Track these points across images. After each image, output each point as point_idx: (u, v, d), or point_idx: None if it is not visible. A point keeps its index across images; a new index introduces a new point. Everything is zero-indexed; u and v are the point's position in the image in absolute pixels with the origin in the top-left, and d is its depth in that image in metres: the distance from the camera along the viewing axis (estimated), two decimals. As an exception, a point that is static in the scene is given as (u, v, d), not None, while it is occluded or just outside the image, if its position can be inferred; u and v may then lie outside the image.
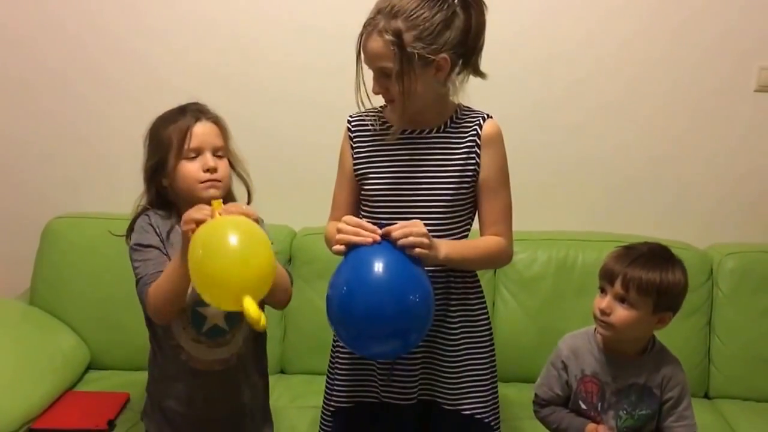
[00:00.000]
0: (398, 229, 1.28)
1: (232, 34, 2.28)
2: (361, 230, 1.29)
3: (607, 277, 1.45)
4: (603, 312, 1.44)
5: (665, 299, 1.43)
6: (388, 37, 1.32)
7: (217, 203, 1.29)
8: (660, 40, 2.23)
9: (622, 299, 1.43)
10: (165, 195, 1.52)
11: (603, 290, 1.46)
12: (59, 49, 2.31)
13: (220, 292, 1.22)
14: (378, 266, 1.23)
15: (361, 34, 1.38)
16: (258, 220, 1.58)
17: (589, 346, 1.52)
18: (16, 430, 1.78)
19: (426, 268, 1.32)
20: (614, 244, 1.55)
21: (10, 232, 2.40)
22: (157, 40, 2.29)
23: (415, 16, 1.33)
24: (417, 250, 1.28)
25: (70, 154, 2.36)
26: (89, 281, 2.15)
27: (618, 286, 1.42)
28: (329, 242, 1.47)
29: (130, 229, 1.54)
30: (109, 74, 2.31)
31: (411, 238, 1.27)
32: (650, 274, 1.41)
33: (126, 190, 1.59)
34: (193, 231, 1.26)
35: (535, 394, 1.59)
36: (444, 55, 1.36)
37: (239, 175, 1.58)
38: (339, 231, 1.31)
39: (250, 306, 1.17)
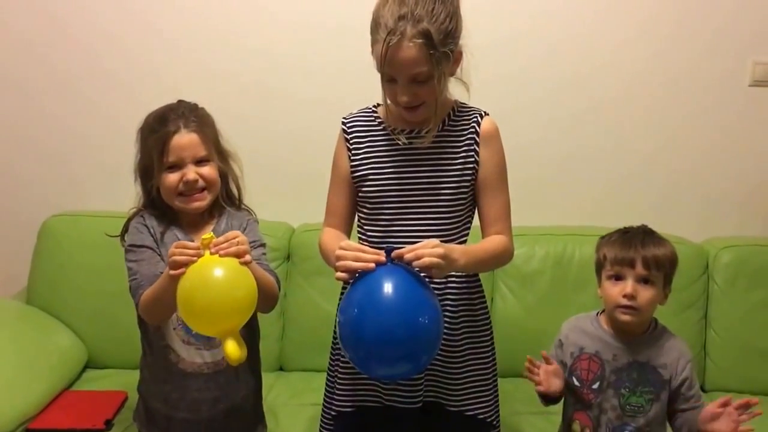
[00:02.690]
0: (410, 251, 1.24)
1: (232, 32, 2.27)
2: (362, 254, 1.25)
3: (625, 261, 1.46)
4: (631, 297, 1.44)
5: (672, 271, 1.48)
6: (419, 41, 1.30)
7: (208, 237, 1.27)
8: (655, 37, 2.24)
9: (645, 280, 1.45)
10: (158, 196, 1.51)
11: (619, 277, 1.47)
12: (59, 48, 2.30)
13: (204, 327, 1.29)
14: (387, 289, 1.21)
15: (385, 46, 1.31)
16: (253, 221, 1.59)
17: (592, 327, 1.54)
18: (13, 430, 1.77)
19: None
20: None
21: (7, 231, 2.39)
22: (157, 39, 2.29)
23: (436, 14, 1.31)
24: (434, 271, 1.25)
25: (67, 152, 2.36)
26: (87, 280, 2.14)
27: (640, 267, 1.44)
28: (325, 255, 1.45)
29: (125, 230, 1.53)
30: (108, 71, 2.31)
31: (425, 260, 1.23)
32: (661, 249, 1.46)
33: (124, 188, 1.59)
34: (182, 274, 1.26)
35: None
36: (460, 47, 1.37)
37: (231, 175, 1.57)
38: (338, 258, 1.27)
39: (230, 348, 1.23)
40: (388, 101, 1.42)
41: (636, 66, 2.26)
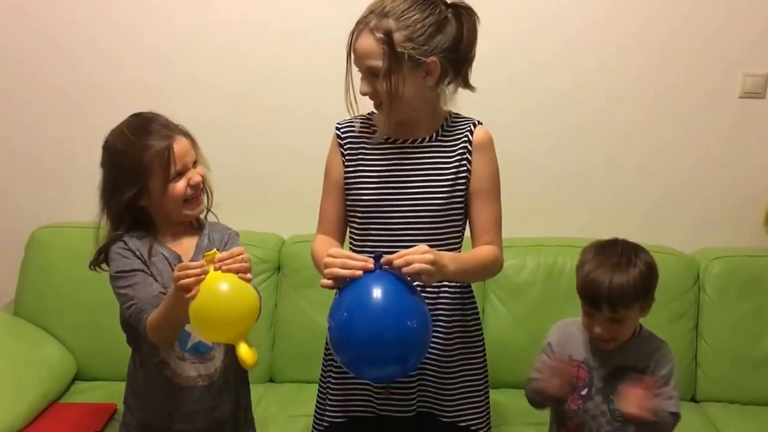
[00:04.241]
0: (400, 257, 1.24)
1: (222, 44, 2.27)
2: (349, 261, 1.26)
3: (592, 304, 1.45)
4: (600, 336, 1.47)
5: (647, 294, 1.47)
6: (379, 35, 1.33)
7: (212, 253, 1.28)
8: (647, 49, 2.24)
9: (613, 320, 1.45)
10: (141, 216, 1.48)
11: (589, 314, 1.47)
12: (47, 60, 2.29)
13: (216, 336, 1.33)
14: (376, 294, 1.22)
15: (352, 33, 1.37)
16: (234, 234, 1.58)
17: (580, 333, 1.55)
18: (1, 444, 1.75)
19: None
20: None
21: (-5, 242, 2.37)
22: (145, 52, 2.28)
23: (406, 17, 1.33)
24: (424, 278, 1.25)
25: (54, 163, 2.35)
26: (75, 291, 2.12)
27: (606, 310, 1.43)
28: (317, 263, 1.45)
29: (101, 256, 1.50)
30: (96, 83, 2.30)
31: (415, 266, 1.23)
32: (629, 275, 1.42)
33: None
34: (195, 295, 1.24)
35: (530, 380, 1.57)
36: (434, 58, 1.36)
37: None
38: (326, 265, 1.27)
39: (244, 351, 1.25)
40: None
41: (627, 78, 2.26)
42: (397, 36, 1.33)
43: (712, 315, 2.14)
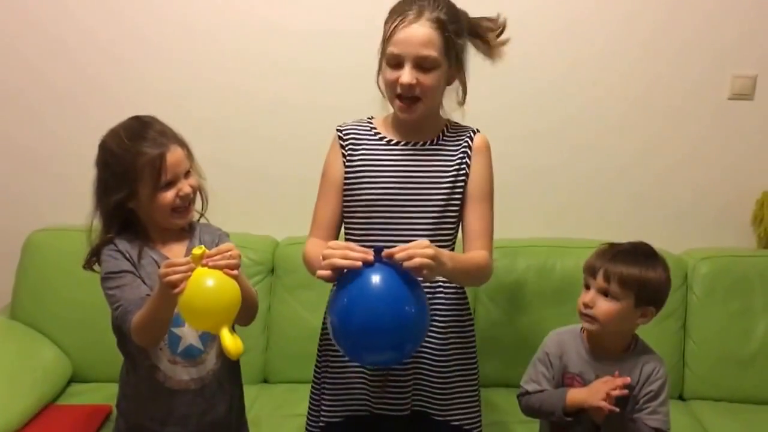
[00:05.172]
0: (401, 251, 1.24)
1: (219, 42, 2.27)
2: (350, 252, 1.26)
3: (589, 271, 1.50)
4: (586, 305, 1.48)
5: (646, 293, 1.48)
6: (435, 25, 1.35)
7: (200, 250, 1.28)
8: (635, 50, 2.26)
9: (604, 292, 1.47)
10: (131, 218, 1.49)
11: (587, 286, 1.51)
12: (45, 61, 2.29)
13: (202, 324, 1.34)
14: (376, 281, 1.23)
15: (398, 20, 1.36)
16: (224, 235, 1.59)
17: (575, 344, 1.56)
18: (-3, 446, 1.76)
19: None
20: (592, 250, 1.57)
21: (-9, 245, 2.37)
22: (145, 49, 2.28)
23: (453, 12, 1.39)
24: (425, 272, 1.25)
25: (52, 165, 2.34)
26: (71, 294, 2.13)
27: (600, 279, 1.47)
28: (309, 262, 1.46)
29: (93, 258, 1.52)
30: (95, 83, 2.30)
31: (417, 260, 1.23)
32: (631, 268, 1.46)
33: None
34: (182, 291, 1.26)
35: (524, 389, 1.59)
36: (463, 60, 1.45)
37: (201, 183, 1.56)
38: (325, 257, 1.26)
39: (226, 336, 1.26)
40: (385, 88, 1.43)
41: (615, 80, 2.28)
42: (451, 28, 1.37)
43: (700, 314, 2.16)
